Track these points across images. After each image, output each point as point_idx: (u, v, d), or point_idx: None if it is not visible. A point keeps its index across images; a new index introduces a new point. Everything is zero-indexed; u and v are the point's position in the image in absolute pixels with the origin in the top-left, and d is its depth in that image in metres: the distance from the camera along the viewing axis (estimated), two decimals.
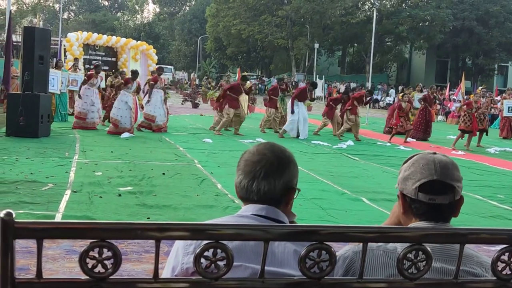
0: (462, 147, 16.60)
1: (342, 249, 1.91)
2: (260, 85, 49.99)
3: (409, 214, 1.90)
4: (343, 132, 18.34)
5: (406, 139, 18.12)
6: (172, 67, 60.91)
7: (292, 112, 17.33)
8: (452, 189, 1.84)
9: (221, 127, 17.38)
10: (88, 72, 17.94)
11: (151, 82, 16.64)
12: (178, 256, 1.85)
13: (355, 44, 59.96)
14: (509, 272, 1.29)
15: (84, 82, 16.64)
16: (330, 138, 17.80)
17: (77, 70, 19.91)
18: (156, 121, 16.49)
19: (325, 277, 1.25)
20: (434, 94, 21.00)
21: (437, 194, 1.84)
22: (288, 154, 1.99)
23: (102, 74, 19.12)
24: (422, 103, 19.90)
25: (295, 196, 2.01)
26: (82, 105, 16.30)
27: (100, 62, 19.87)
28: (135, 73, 16.02)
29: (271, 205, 1.92)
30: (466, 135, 17.05)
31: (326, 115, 18.88)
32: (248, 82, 21.47)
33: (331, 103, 19.15)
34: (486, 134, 17.94)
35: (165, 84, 17.11)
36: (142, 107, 16.83)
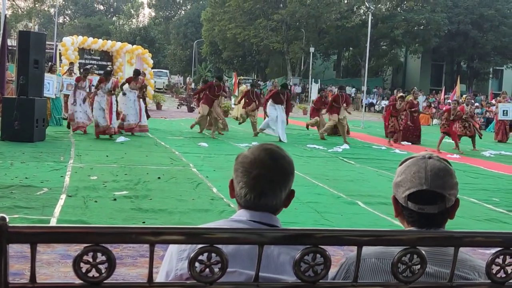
0: (454, 151, 16.66)
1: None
2: (255, 89, 49.95)
3: (402, 218, 1.89)
4: (325, 131, 18.37)
5: (398, 141, 18.15)
6: (167, 71, 60.90)
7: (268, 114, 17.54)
8: (442, 198, 1.79)
9: (203, 128, 17.56)
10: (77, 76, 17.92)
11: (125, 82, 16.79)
12: (172, 261, 1.84)
13: (351, 48, 60.04)
14: (503, 275, 1.30)
15: (74, 87, 16.60)
16: (325, 142, 17.80)
17: (72, 74, 19.88)
18: (127, 120, 16.44)
19: (320, 281, 1.25)
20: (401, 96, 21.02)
21: (425, 204, 1.80)
22: (289, 159, 1.95)
23: (96, 77, 19.02)
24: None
25: None
26: (70, 107, 16.39)
27: (90, 66, 19.70)
28: (107, 73, 16.16)
29: (273, 212, 1.92)
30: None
31: (311, 116, 19.03)
32: (244, 85, 21.53)
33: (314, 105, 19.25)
34: (480, 137, 17.88)
35: (143, 84, 17.14)
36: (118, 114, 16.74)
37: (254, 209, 1.89)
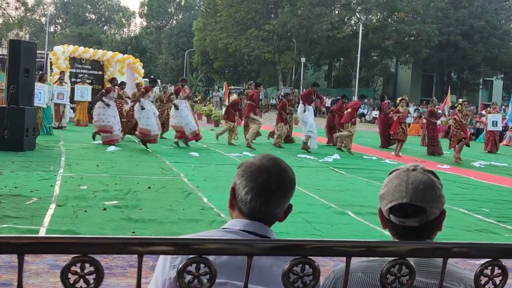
0: (450, 162, 16.73)
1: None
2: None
3: (389, 230, 1.89)
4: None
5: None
6: (159, 81, 60.85)
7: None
8: (423, 212, 1.79)
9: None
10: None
11: None
12: (165, 268, 1.83)
13: (342, 59, 60.26)
14: (492, 287, 1.30)
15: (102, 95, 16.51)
16: (317, 152, 17.74)
17: (63, 83, 19.85)
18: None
19: None
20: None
21: (406, 217, 1.80)
22: (293, 173, 2.00)
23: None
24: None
25: None
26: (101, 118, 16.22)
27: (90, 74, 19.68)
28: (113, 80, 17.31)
29: (271, 221, 1.93)
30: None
31: (227, 119, 19.26)
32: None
33: (230, 108, 19.34)
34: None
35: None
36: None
37: (255, 217, 1.89)
